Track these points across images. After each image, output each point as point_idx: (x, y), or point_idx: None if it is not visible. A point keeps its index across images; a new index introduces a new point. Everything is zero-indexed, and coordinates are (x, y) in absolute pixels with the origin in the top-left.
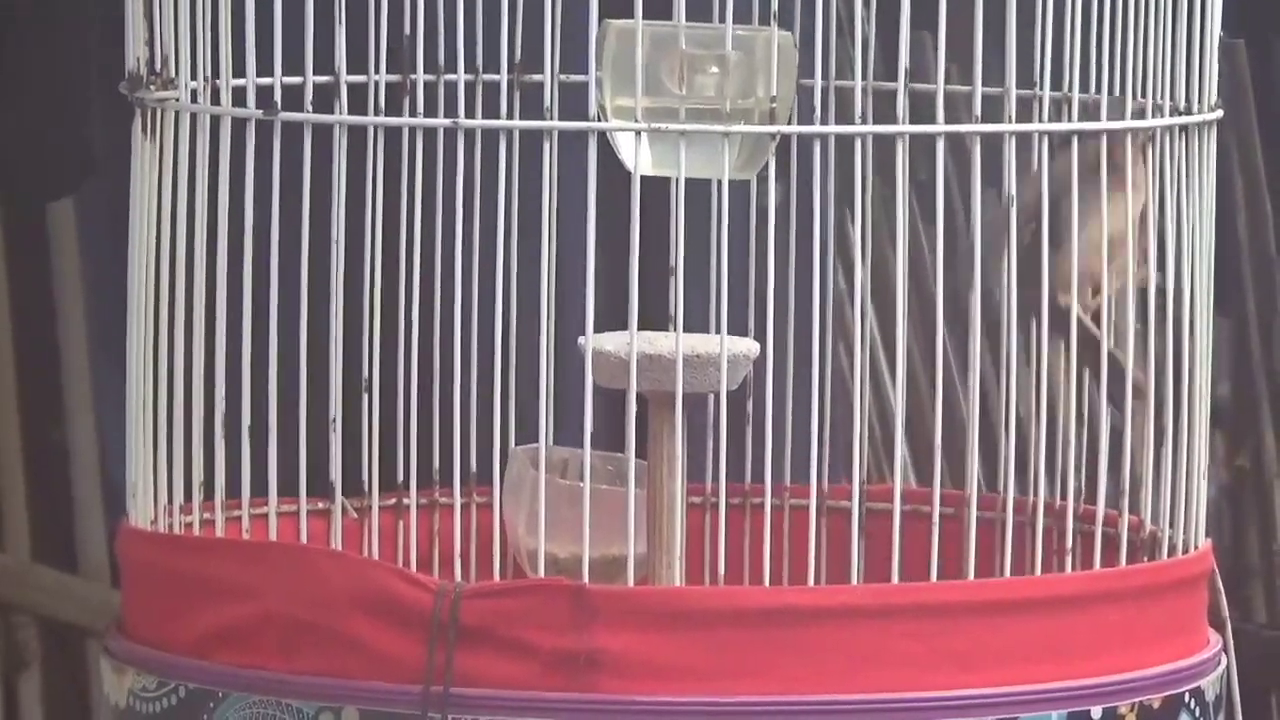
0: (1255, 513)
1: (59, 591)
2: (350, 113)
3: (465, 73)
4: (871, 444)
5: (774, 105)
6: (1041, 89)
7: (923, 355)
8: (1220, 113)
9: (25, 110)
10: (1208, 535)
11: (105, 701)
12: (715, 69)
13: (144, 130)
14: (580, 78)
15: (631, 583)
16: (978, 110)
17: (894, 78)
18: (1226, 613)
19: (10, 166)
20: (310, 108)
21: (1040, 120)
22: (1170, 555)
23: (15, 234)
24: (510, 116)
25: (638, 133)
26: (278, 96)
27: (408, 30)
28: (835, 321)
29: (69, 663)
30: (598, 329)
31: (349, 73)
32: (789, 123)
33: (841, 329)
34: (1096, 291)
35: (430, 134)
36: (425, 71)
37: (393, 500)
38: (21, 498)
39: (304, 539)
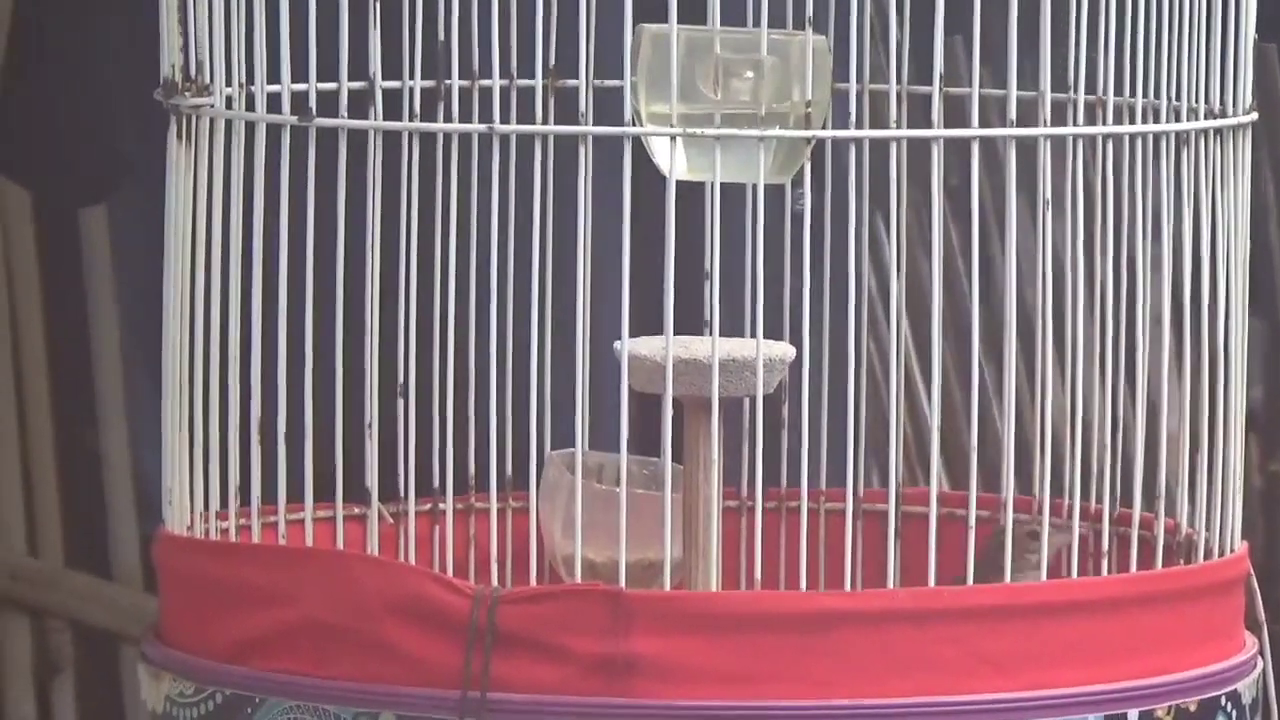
0: None
1: (92, 596)
2: (385, 118)
3: (500, 78)
4: (906, 448)
5: (809, 110)
6: (1076, 93)
7: (956, 359)
8: (1255, 115)
9: (58, 117)
10: (1243, 539)
11: (142, 707)
12: (750, 74)
13: (179, 137)
14: (615, 83)
15: (668, 587)
16: (1012, 114)
17: (928, 82)
18: (1263, 615)
19: (43, 173)
20: (345, 113)
21: (1075, 124)
22: (1206, 558)
23: (49, 240)
24: (545, 122)
25: (672, 138)
26: (313, 102)
27: (442, 36)
28: (870, 325)
29: (102, 667)
30: (633, 333)
31: (384, 78)
32: (824, 127)
33: (876, 333)
34: None
35: (465, 139)
36: (460, 77)
37: (429, 505)
38: (55, 503)
39: (340, 544)
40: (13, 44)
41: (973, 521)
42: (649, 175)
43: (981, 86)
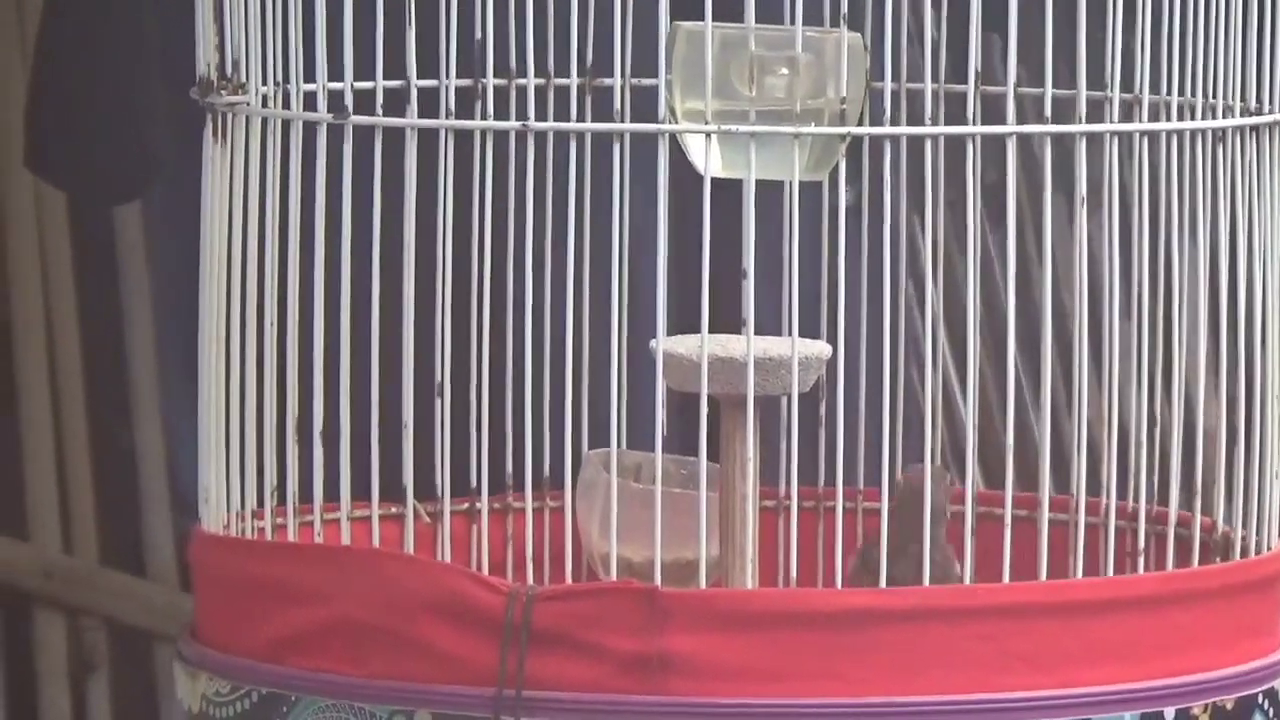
0: None
1: (127, 594)
2: (421, 116)
3: (536, 76)
4: (943, 448)
5: (844, 107)
6: (1111, 90)
7: (993, 357)
8: None
9: (91, 114)
10: None
11: (179, 706)
12: (785, 71)
13: (215, 135)
14: (651, 80)
15: (704, 585)
16: (1048, 111)
17: (964, 79)
18: None
19: (77, 172)
20: (381, 111)
21: (1110, 121)
22: (1243, 556)
23: (83, 238)
24: (581, 119)
25: (708, 135)
26: (349, 101)
27: (478, 34)
28: (906, 324)
29: (137, 666)
30: (669, 332)
31: (419, 76)
32: (859, 124)
33: (912, 331)
34: None
35: (501, 137)
36: (496, 75)
37: (465, 504)
38: (90, 501)
39: (376, 544)
40: (44, 43)
41: (1008, 519)
42: (685, 173)
43: (1018, 85)
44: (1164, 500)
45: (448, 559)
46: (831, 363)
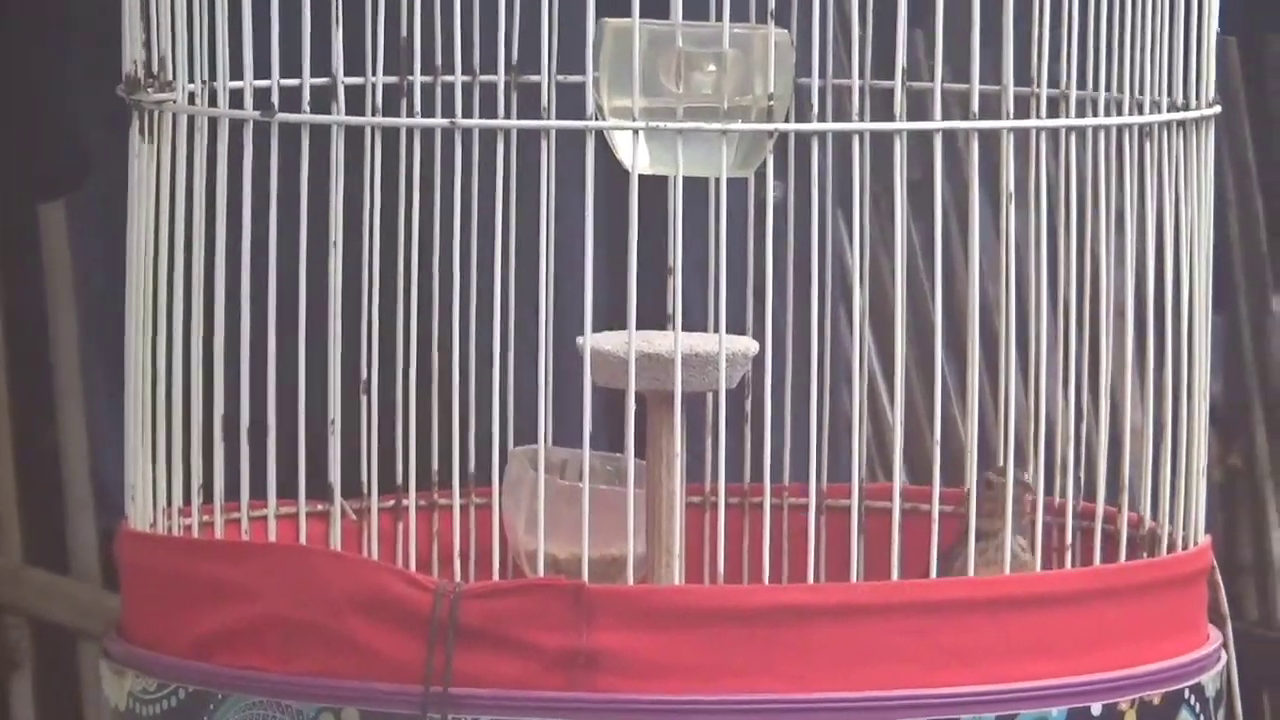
0: (1247, 511)
1: (50, 592)
2: (348, 114)
3: (463, 73)
4: (869, 444)
5: (771, 103)
6: (1039, 87)
7: (918, 355)
8: (1218, 108)
9: (18, 112)
10: (1206, 532)
11: (105, 704)
12: (712, 67)
13: (141, 132)
14: (578, 78)
15: (631, 582)
16: (975, 107)
17: (890, 76)
18: (1227, 609)
19: (3, 169)
20: (308, 109)
21: (1038, 117)
22: (1170, 551)
23: (7, 235)
24: (508, 116)
25: (635, 132)
26: (275, 98)
27: (405, 31)
28: (832, 320)
29: (60, 663)
30: (596, 328)
31: (346, 74)
32: (786, 121)
33: (838, 327)
34: None
35: (428, 134)
36: (423, 72)
37: (392, 501)
38: (13, 499)
39: (303, 540)
40: None
41: (935, 515)
42: (612, 170)
43: (944, 81)
44: (1091, 496)
45: (374, 556)
46: (758, 359)
